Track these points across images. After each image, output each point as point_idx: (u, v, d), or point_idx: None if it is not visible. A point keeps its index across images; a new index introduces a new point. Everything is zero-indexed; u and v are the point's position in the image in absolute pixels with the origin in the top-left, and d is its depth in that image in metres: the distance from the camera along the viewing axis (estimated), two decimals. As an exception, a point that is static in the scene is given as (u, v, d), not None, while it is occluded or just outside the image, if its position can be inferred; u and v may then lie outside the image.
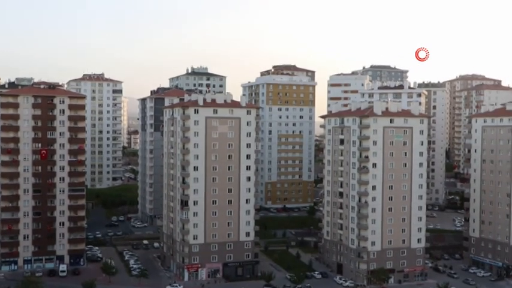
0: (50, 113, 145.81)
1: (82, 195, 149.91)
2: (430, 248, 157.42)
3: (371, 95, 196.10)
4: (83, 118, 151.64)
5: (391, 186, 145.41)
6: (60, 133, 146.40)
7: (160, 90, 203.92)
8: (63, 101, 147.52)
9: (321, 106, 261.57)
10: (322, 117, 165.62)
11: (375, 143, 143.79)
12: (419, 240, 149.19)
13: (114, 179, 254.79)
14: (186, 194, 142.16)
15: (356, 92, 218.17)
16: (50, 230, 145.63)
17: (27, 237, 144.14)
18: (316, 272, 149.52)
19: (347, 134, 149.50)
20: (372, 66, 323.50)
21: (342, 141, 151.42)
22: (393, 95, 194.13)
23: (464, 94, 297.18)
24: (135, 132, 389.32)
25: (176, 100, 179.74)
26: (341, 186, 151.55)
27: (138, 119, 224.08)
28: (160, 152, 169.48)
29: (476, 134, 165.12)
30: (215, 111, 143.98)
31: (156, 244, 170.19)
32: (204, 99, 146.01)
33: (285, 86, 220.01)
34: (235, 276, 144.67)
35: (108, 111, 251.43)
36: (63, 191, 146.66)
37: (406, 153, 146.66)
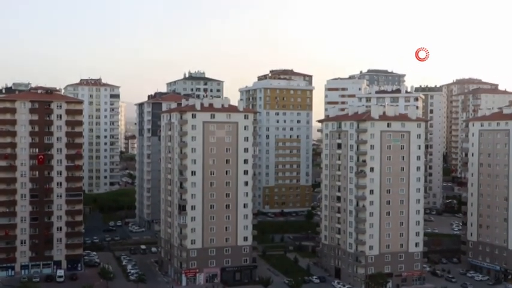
0: (47, 118, 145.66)
1: (79, 200, 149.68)
2: (428, 252, 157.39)
3: (368, 99, 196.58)
4: (80, 123, 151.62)
5: (389, 190, 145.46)
6: (58, 138, 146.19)
7: (158, 95, 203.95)
8: (61, 106, 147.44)
9: (319, 110, 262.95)
10: (320, 121, 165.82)
11: (372, 147, 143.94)
12: (417, 244, 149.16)
13: (112, 183, 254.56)
14: (184, 199, 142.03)
15: (353, 96, 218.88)
16: (48, 235, 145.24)
17: (25, 243, 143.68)
18: (314, 277, 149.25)
19: (344, 138, 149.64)
20: (369, 71, 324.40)
21: (339, 146, 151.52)
22: (390, 99, 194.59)
23: (461, 98, 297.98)
24: (133, 137, 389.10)
25: (174, 105, 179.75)
26: (339, 191, 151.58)
27: (135, 123, 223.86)
28: (158, 157, 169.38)
29: (474, 138, 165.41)
30: (213, 116, 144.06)
31: (153, 249, 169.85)
32: (202, 104, 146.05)
33: (283, 91, 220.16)
34: (233, 281, 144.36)
35: (105, 116, 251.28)
36: (61, 196, 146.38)
37: (403, 157, 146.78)
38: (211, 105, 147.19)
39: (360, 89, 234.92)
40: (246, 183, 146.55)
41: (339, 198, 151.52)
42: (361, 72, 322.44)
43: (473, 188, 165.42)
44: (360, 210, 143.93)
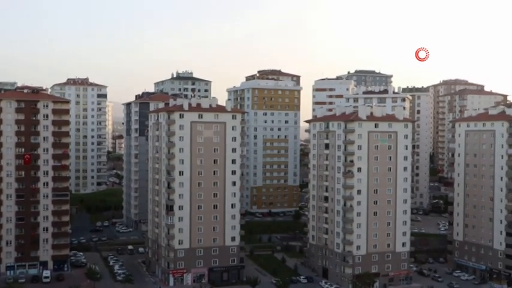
0: (34, 118, 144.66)
1: (66, 200, 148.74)
2: (414, 252, 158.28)
3: (356, 100, 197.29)
4: (67, 123, 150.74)
5: (376, 190, 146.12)
6: (44, 138, 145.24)
7: (145, 94, 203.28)
8: (47, 106, 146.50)
9: (306, 111, 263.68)
10: (307, 121, 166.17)
11: (359, 147, 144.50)
12: (404, 244, 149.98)
13: (99, 183, 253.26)
14: (171, 199, 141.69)
15: (341, 96, 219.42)
16: (34, 235, 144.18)
17: (10, 243, 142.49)
18: (302, 277, 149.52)
19: (332, 139, 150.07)
20: (356, 71, 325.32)
21: (327, 146, 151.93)
22: (378, 99, 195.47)
23: (447, 99, 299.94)
24: (120, 136, 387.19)
25: (161, 105, 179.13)
26: (326, 191, 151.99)
27: (123, 123, 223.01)
28: (145, 157, 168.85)
29: (460, 139, 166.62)
30: (200, 116, 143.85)
31: (141, 249, 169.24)
32: (189, 104, 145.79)
33: (270, 91, 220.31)
34: (220, 281, 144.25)
35: (92, 116, 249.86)
36: (47, 196, 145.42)
37: (390, 157, 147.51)
38: (199, 105, 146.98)
39: (347, 89, 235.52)
40: (234, 184, 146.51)
41: (326, 199, 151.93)
42: (348, 72, 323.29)
43: (459, 188, 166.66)
44: (348, 210, 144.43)
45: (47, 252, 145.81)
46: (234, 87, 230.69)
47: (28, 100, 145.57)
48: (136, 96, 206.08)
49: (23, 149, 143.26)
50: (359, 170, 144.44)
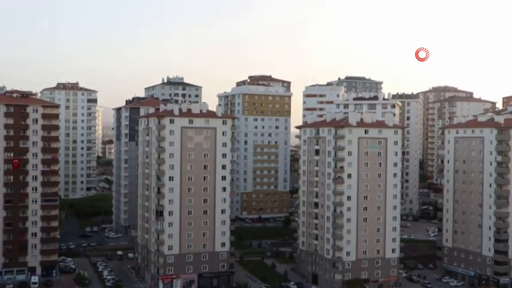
0: (23, 122, 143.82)
1: (55, 205, 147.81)
2: (404, 258, 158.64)
3: (346, 106, 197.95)
4: (57, 127, 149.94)
5: (366, 196, 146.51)
6: (33, 142, 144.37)
7: (136, 99, 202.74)
8: (37, 110, 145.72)
9: (297, 116, 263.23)
10: (298, 127, 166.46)
11: (350, 153, 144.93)
12: (393, 250, 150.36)
13: (88, 189, 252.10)
14: (161, 204, 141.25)
15: (331, 102, 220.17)
16: (22, 241, 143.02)
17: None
18: (292, 283, 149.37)
19: (322, 145, 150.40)
20: (347, 78, 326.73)
21: (317, 152, 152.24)
22: (368, 106, 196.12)
23: (437, 105, 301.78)
24: (110, 141, 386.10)
25: (151, 110, 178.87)
26: (316, 197, 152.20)
27: (113, 128, 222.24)
28: (135, 162, 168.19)
29: (449, 145, 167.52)
30: (191, 121, 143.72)
31: (130, 255, 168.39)
32: (180, 109, 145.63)
33: (261, 97, 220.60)
34: (210, 287, 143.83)
35: (82, 121, 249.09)
36: (36, 201, 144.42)
37: (380, 163, 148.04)
38: (189, 110, 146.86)
39: (337, 95, 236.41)
40: (224, 189, 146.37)
41: (316, 204, 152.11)
42: (339, 79, 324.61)
43: (448, 195, 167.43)
44: (337, 216, 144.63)
45: (35, 258, 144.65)
46: (225, 92, 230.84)
47: (17, 104, 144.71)
48: (126, 101, 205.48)
49: (12, 154, 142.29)
50: (349, 176, 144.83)
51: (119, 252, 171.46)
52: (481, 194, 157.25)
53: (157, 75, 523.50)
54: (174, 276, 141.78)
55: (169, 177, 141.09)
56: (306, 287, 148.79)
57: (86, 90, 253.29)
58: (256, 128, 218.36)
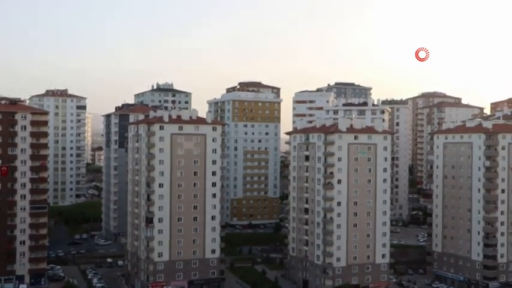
0: (11, 129, 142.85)
1: (44, 212, 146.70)
2: (394, 263, 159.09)
3: (336, 112, 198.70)
4: (46, 134, 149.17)
5: (356, 202, 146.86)
6: (22, 150, 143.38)
7: (125, 106, 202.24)
8: (25, 117, 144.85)
9: (286, 123, 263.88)
10: (288, 133, 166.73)
11: (339, 159, 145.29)
12: (383, 256, 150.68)
13: (78, 196, 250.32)
14: (151, 211, 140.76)
15: (321, 108, 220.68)
16: (10, 248, 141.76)
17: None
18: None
19: (312, 151, 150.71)
20: (336, 84, 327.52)
21: (307, 158, 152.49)
22: (357, 111, 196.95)
23: (426, 111, 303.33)
24: (99, 148, 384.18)
25: (141, 116, 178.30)
26: (306, 203, 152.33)
27: (102, 135, 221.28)
28: (125, 169, 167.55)
29: (438, 151, 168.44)
30: (181, 128, 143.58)
31: (120, 262, 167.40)
32: (170, 116, 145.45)
33: (251, 103, 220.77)
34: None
35: (71, 128, 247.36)
36: (24, 209, 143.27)
37: (370, 169, 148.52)
38: (179, 117, 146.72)
39: (327, 101, 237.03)
40: (214, 195, 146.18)
41: (306, 210, 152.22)
42: (328, 85, 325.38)
43: (438, 200, 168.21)
44: (328, 222, 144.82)
45: (24, 266, 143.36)
46: (215, 99, 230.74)
47: (5, 111, 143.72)
48: (116, 107, 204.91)
49: (0, 161, 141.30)
50: (339, 181, 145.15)
51: (109, 260, 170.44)
52: (470, 199, 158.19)
53: (147, 82, 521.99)
54: (164, 284, 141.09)
55: (159, 183, 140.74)
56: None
57: (75, 96, 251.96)
58: (246, 134, 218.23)
